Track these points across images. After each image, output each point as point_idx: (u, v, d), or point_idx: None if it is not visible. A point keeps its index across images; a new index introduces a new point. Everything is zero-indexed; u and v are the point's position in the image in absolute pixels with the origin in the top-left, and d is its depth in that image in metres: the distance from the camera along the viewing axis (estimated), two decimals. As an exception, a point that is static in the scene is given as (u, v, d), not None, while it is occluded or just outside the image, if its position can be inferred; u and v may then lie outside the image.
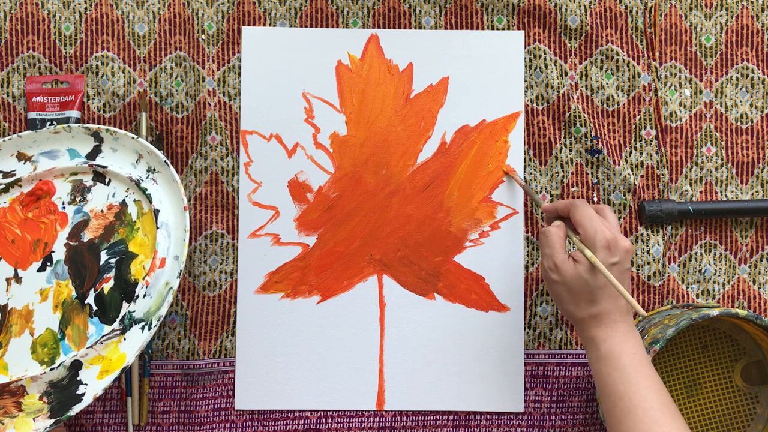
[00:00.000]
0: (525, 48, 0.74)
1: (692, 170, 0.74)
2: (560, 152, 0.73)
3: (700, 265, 0.74)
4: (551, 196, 0.73)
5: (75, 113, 0.72)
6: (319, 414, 0.72)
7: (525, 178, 0.73)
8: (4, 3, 0.73)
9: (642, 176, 0.73)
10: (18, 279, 0.66)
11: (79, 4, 0.73)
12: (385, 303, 0.73)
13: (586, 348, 0.61)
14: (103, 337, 0.62)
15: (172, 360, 0.72)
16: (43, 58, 0.73)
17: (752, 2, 0.74)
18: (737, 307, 0.73)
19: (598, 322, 0.60)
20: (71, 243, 0.66)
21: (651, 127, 0.74)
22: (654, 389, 0.57)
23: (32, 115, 0.72)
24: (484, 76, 0.74)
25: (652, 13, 0.74)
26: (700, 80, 0.74)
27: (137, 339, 0.61)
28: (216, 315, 0.72)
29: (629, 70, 0.74)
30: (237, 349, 0.72)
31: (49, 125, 0.72)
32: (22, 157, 0.70)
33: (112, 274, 0.64)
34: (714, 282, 0.74)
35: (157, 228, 0.64)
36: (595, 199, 0.73)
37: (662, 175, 0.73)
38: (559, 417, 0.72)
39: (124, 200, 0.67)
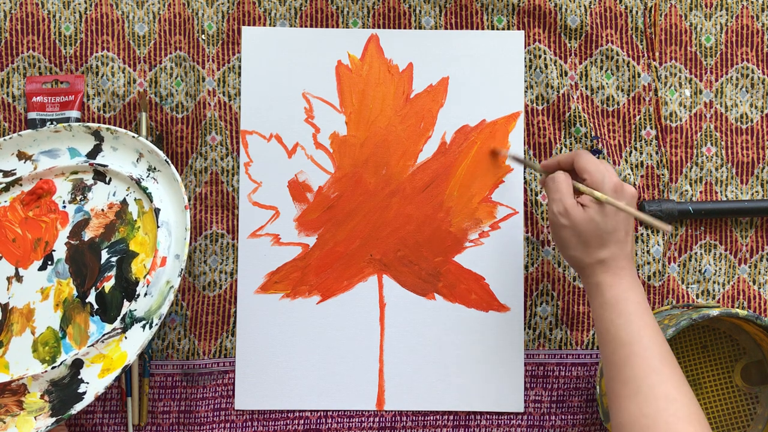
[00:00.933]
0: (525, 48, 0.74)
1: (692, 170, 0.74)
2: (560, 152, 0.73)
3: (700, 265, 0.74)
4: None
5: (75, 113, 0.72)
6: (319, 414, 0.72)
7: (525, 178, 0.73)
8: (4, 3, 0.73)
9: (642, 176, 0.73)
10: (19, 278, 0.66)
11: (79, 4, 0.73)
12: (385, 303, 0.73)
13: (590, 294, 0.61)
14: (104, 335, 0.62)
15: (172, 360, 0.72)
16: (43, 58, 0.73)
17: (752, 2, 0.75)
18: (737, 307, 0.73)
19: (606, 268, 0.60)
20: (72, 242, 0.66)
21: (651, 127, 0.74)
22: (656, 339, 0.57)
23: (32, 115, 0.72)
24: (484, 76, 0.74)
25: (652, 13, 0.74)
26: (700, 80, 0.74)
27: (138, 337, 0.61)
28: (216, 315, 0.72)
29: (629, 70, 0.74)
30: (237, 349, 0.72)
31: (49, 125, 0.72)
32: (22, 156, 0.70)
33: (113, 272, 0.64)
34: (714, 282, 0.74)
35: (158, 227, 0.64)
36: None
37: (662, 175, 0.73)
38: (559, 417, 0.72)
39: (124, 199, 0.67)
